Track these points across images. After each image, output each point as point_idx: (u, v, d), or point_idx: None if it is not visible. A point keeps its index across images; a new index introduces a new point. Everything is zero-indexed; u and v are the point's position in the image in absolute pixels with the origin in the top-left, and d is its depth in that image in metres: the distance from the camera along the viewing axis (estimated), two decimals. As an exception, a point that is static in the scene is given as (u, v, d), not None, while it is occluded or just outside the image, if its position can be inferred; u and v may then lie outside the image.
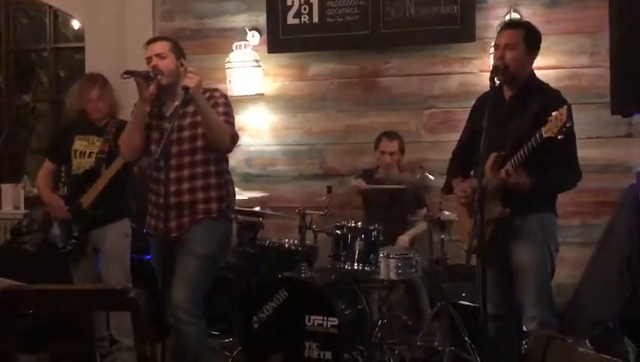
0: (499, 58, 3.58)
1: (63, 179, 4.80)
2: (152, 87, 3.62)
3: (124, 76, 3.63)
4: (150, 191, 3.80)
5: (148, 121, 3.75)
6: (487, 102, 3.48)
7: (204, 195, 3.69)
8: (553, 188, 3.61)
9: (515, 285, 3.60)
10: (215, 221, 3.72)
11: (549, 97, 3.53)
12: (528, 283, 3.54)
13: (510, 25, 3.76)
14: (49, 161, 4.68)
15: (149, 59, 3.71)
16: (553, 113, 3.22)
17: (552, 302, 3.63)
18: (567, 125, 3.17)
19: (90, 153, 4.48)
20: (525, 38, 3.61)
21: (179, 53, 3.78)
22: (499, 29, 3.78)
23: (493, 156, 3.48)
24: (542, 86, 3.70)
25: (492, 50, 5.08)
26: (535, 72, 5.14)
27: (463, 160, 3.83)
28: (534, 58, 3.71)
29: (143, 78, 3.62)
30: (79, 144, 4.52)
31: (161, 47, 3.74)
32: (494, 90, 3.54)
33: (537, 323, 3.50)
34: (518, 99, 3.62)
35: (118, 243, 4.43)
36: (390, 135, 5.05)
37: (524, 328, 3.67)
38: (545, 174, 3.43)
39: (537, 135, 3.28)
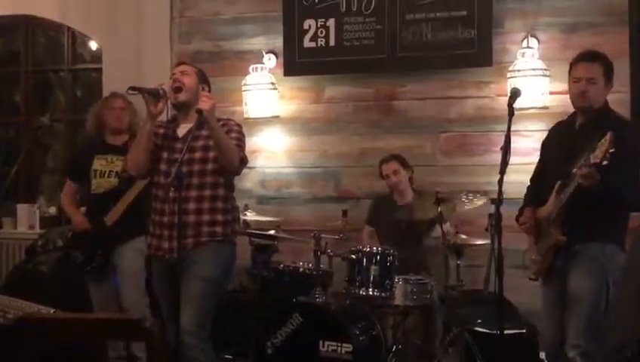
0: (582, 92, 3.64)
1: (77, 196, 4.85)
2: (161, 105, 3.64)
3: (130, 91, 3.65)
4: (154, 210, 3.78)
5: (160, 142, 3.76)
6: (556, 130, 3.71)
7: (210, 218, 3.67)
8: (616, 190, 3.47)
9: (568, 310, 3.62)
10: (219, 244, 3.70)
11: (615, 126, 3.53)
12: (577, 311, 3.56)
13: (589, 58, 3.72)
14: (70, 181, 4.79)
15: (172, 75, 3.78)
16: (602, 140, 3.27)
17: (600, 335, 3.58)
18: (611, 151, 3.21)
19: (110, 172, 4.57)
20: (605, 73, 3.67)
21: (202, 78, 3.83)
22: (576, 59, 3.77)
23: (558, 184, 3.58)
24: (612, 115, 3.73)
25: (509, 74, 5.11)
26: (555, 96, 5.16)
27: (536, 189, 3.91)
28: (610, 89, 3.77)
29: (151, 95, 3.63)
30: (98, 164, 4.60)
31: (187, 67, 3.83)
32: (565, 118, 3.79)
33: (578, 352, 3.50)
34: (588, 128, 3.64)
35: (133, 260, 4.47)
36: (385, 159, 5.06)
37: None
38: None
39: (585, 162, 3.34)
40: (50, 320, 1.92)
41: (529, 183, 4.05)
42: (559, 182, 3.56)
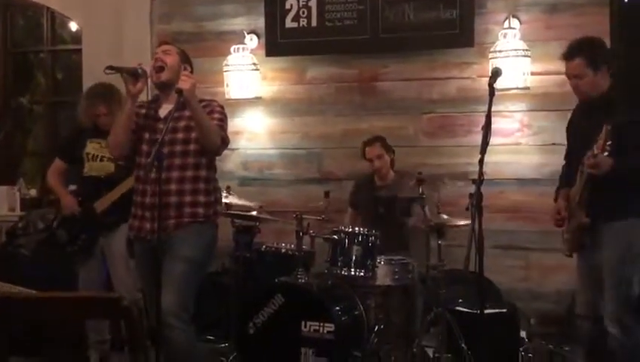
0: (575, 87, 3.78)
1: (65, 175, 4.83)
2: (140, 85, 3.61)
3: (107, 71, 3.60)
4: (135, 191, 3.76)
5: (142, 122, 3.74)
6: (577, 110, 3.84)
7: (192, 199, 3.66)
8: (633, 168, 3.59)
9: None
10: (201, 225, 3.68)
11: (622, 109, 3.63)
12: (608, 284, 3.66)
13: (570, 55, 3.79)
14: (59, 160, 4.74)
15: (154, 54, 3.78)
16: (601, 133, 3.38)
17: (632, 305, 3.66)
18: (608, 143, 3.34)
19: (102, 157, 4.55)
20: (589, 63, 3.72)
21: (185, 58, 3.82)
22: (562, 56, 3.86)
23: (580, 168, 3.67)
24: (613, 102, 3.75)
25: (491, 55, 5.12)
26: (536, 77, 5.18)
27: (567, 168, 3.97)
28: (606, 70, 3.79)
29: (129, 74, 3.59)
30: (91, 147, 4.59)
31: (169, 47, 3.81)
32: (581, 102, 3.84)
33: (613, 323, 3.61)
34: (595, 114, 3.68)
35: (123, 245, 4.45)
36: (369, 141, 5.08)
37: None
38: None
39: (591, 152, 3.45)
40: (26, 299, 1.91)
41: (564, 161, 4.11)
42: (581, 166, 3.66)
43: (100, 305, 1.88)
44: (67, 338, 2.07)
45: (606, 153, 3.38)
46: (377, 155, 5.00)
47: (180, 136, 3.66)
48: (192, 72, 3.77)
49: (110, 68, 3.58)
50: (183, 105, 3.56)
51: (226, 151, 3.94)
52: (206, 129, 3.57)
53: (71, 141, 4.79)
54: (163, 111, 3.73)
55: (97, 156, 4.57)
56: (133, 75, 3.59)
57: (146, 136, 3.72)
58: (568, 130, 4.01)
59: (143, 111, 3.78)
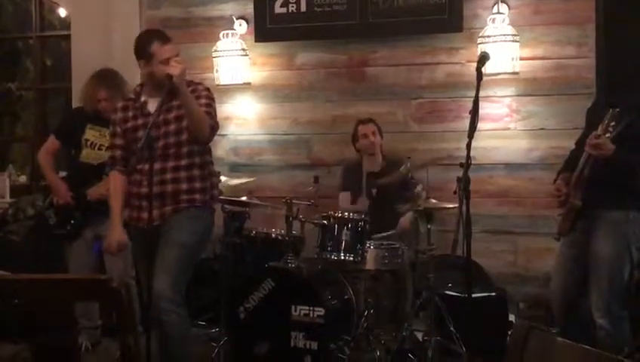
0: None
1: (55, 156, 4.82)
2: None
3: None
4: (130, 183, 3.78)
5: (130, 124, 3.76)
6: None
7: (188, 186, 3.69)
8: (628, 160, 3.56)
9: (590, 274, 3.68)
10: (197, 210, 3.72)
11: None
12: (600, 274, 3.62)
13: None
14: (55, 139, 4.71)
15: (167, 60, 3.60)
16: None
17: (622, 296, 3.64)
18: (612, 124, 3.36)
19: (101, 146, 4.57)
20: None
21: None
22: None
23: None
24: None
25: (479, 40, 5.13)
26: (525, 62, 5.19)
27: (576, 152, 3.87)
28: None
29: None
30: (90, 133, 4.61)
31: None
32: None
33: (602, 313, 3.59)
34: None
35: None
36: (363, 120, 5.11)
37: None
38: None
39: (593, 133, 3.45)
40: (12, 281, 1.92)
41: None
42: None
43: (89, 287, 1.89)
44: (57, 322, 2.08)
45: (607, 135, 3.37)
46: (372, 132, 5.03)
47: (172, 127, 3.68)
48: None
49: None
50: (172, 93, 3.55)
51: (215, 138, 3.95)
52: (196, 118, 3.58)
53: (71, 122, 4.76)
54: (152, 106, 3.71)
55: (96, 144, 4.59)
56: None
57: (140, 134, 3.70)
58: (587, 114, 3.98)
59: (130, 113, 3.78)
